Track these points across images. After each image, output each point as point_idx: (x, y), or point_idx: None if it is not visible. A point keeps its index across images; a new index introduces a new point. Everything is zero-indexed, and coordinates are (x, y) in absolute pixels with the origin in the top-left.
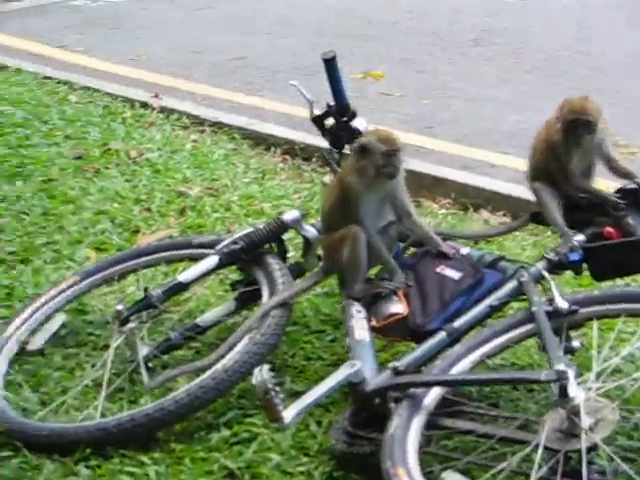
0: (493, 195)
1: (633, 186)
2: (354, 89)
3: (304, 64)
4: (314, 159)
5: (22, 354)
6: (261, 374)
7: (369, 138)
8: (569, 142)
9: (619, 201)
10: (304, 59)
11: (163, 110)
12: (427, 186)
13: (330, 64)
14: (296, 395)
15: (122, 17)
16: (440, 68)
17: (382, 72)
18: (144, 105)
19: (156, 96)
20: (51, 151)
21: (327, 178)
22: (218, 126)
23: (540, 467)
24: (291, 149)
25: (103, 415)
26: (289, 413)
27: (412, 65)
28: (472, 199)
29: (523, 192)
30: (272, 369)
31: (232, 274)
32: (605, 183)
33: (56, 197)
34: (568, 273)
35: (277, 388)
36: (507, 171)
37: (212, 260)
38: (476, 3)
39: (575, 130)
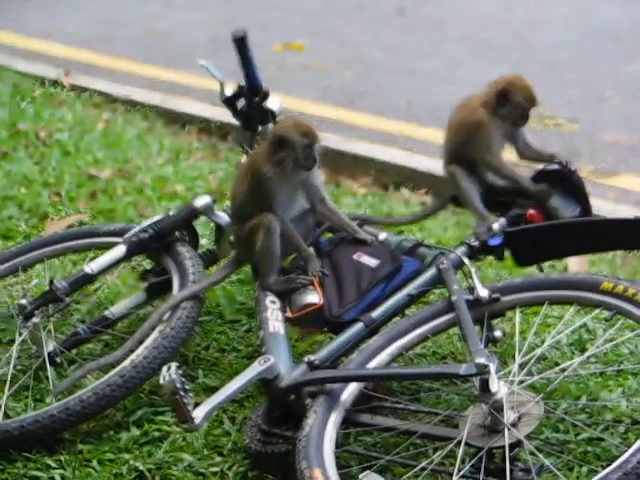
0: (414, 173)
1: (554, 167)
2: (275, 61)
3: (223, 37)
4: (230, 138)
5: None
6: (169, 373)
7: (288, 130)
8: (503, 128)
9: (540, 189)
10: (222, 32)
11: (74, 88)
12: (346, 165)
13: (240, 43)
14: (210, 390)
15: None
16: (362, 39)
17: (303, 44)
18: (55, 83)
19: (67, 74)
20: None
21: (243, 159)
22: (131, 104)
23: (463, 464)
24: (207, 127)
25: (7, 415)
26: (199, 413)
27: (334, 36)
28: (393, 177)
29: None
30: (180, 366)
31: (144, 262)
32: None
33: None
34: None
35: (186, 387)
36: (429, 145)
37: (120, 250)
38: None
39: (522, 118)
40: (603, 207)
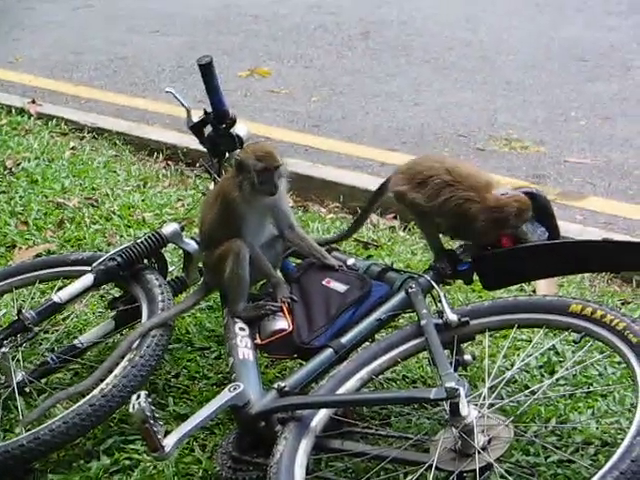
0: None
1: (527, 190)
2: (241, 87)
3: (189, 62)
4: (198, 165)
5: None
6: (138, 402)
7: (247, 154)
8: None
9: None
10: (188, 57)
11: (41, 116)
12: (315, 189)
13: (206, 69)
14: (180, 418)
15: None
16: (328, 63)
17: (269, 69)
18: (21, 111)
19: (33, 102)
20: None
21: (211, 186)
22: (98, 132)
23: None
24: (174, 154)
25: None
26: (169, 441)
27: (300, 61)
28: (361, 202)
29: None
30: (149, 395)
31: (113, 290)
32: (509, 180)
33: None
34: None
35: (156, 415)
36: None
37: (88, 278)
38: None
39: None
40: (571, 229)
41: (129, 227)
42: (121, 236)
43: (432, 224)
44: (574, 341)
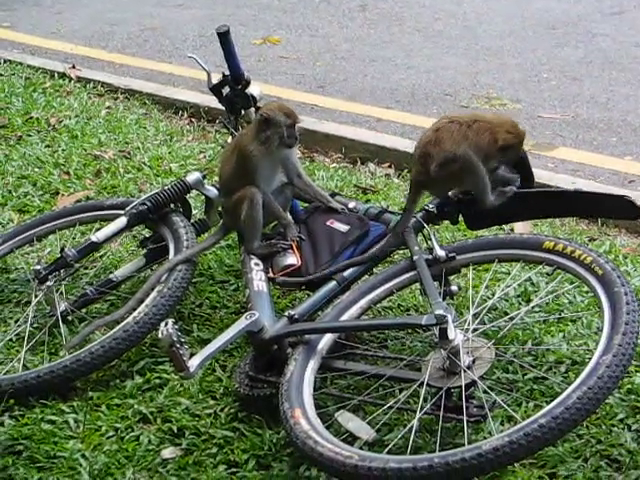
0: (379, 149)
1: None
2: (254, 53)
3: (209, 32)
4: (217, 121)
5: None
6: (166, 328)
7: (273, 111)
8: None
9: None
10: (209, 28)
11: (80, 80)
12: (320, 142)
13: (224, 37)
14: (203, 342)
15: None
16: (331, 32)
17: (279, 37)
18: (62, 75)
19: (73, 67)
20: None
21: (229, 139)
22: (130, 93)
23: (425, 403)
24: (197, 112)
25: (25, 367)
26: (194, 362)
27: (306, 30)
28: (360, 153)
29: (406, 145)
30: (176, 322)
31: (144, 231)
32: None
33: None
34: None
35: (182, 340)
36: (392, 124)
37: (122, 221)
38: None
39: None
40: (544, 175)
41: (158, 176)
42: (151, 184)
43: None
44: (547, 273)
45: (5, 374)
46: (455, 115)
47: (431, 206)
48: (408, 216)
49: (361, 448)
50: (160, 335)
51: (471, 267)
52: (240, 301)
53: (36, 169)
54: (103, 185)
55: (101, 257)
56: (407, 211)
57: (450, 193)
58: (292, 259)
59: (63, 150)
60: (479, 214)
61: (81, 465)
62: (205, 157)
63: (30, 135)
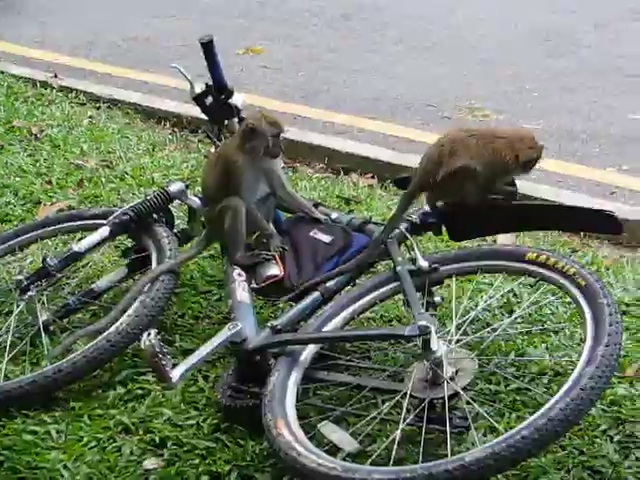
0: (362, 159)
1: None
2: (238, 63)
3: (191, 42)
4: (200, 131)
5: None
6: (149, 338)
7: (258, 121)
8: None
9: None
10: (191, 37)
11: (62, 89)
12: (302, 152)
13: (207, 47)
14: (186, 353)
15: (28, 2)
16: (314, 42)
17: (262, 47)
18: (45, 84)
19: (55, 76)
20: None
21: (212, 149)
22: (113, 102)
23: (408, 414)
24: (179, 122)
25: (7, 377)
26: (176, 373)
27: (289, 40)
28: (343, 163)
29: (388, 156)
30: (159, 332)
31: (126, 241)
32: None
33: None
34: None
35: (165, 350)
36: (375, 135)
37: (104, 230)
38: None
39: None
40: (526, 186)
41: (140, 186)
42: (133, 194)
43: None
44: (530, 285)
45: None
46: (474, 129)
47: (414, 217)
48: (397, 222)
49: (344, 459)
50: (142, 345)
51: (454, 278)
52: (223, 311)
53: (18, 178)
54: (85, 195)
55: (83, 267)
56: (397, 218)
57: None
58: (275, 270)
59: (45, 159)
60: (462, 225)
61: (63, 476)
62: (188, 167)
63: (12, 144)
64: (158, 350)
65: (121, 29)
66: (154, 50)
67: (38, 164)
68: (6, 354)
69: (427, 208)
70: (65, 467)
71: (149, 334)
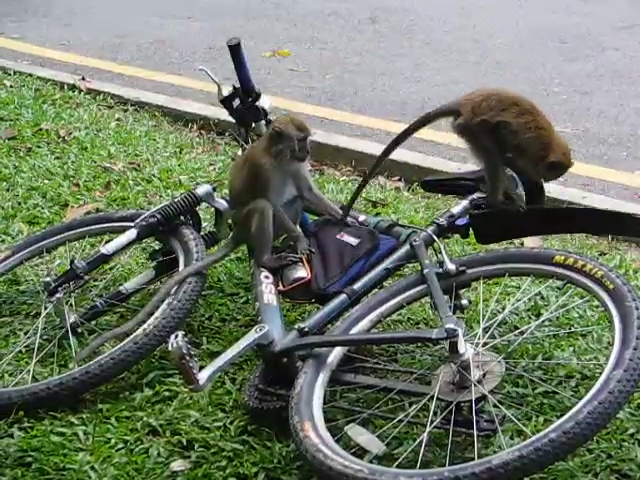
0: (389, 162)
1: None
2: (265, 66)
3: (218, 44)
4: (227, 134)
5: None
6: (176, 340)
7: (285, 125)
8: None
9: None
10: (218, 40)
11: (90, 91)
12: (329, 155)
13: (235, 50)
14: (213, 355)
15: (53, 4)
16: (340, 45)
17: (289, 50)
18: (72, 87)
19: (83, 79)
20: None
21: (239, 152)
22: (140, 105)
23: (435, 417)
24: (206, 124)
25: (35, 379)
26: (203, 375)
27: (316, 43)
28: (370, 166)
29: (415, 159)
30: (186, 334)
31: (154, 243)
32: None
33: None
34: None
35: (192, 352)
36: None
37: (132, 233)
38: None
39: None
40: (554, 189)
41: (167, 188)
42: (160, 196)
43: (501, 160)
44: (558, 287)
45: (14, 386)
46: (535, 106)
47: (442, 219)
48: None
49: (371, 462)
50: (170, 347)
51: (481, 281)
52: (250, 314)
53: (46, 181)
54: (113, 197)
55: (111, 269)
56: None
57: (457, 207)
58: (302, 272)
59: (73, 162)
60: (489, 228)
61: (90, 477)
62: (215, 169)
63: (40, 147)
64: (185, 352)
65: (144, 31)
66: (180, 53)
67: (66, 166)
68: (34, 356)
69: (454, 211)
70: (92, 469)
71: (176, 336)
